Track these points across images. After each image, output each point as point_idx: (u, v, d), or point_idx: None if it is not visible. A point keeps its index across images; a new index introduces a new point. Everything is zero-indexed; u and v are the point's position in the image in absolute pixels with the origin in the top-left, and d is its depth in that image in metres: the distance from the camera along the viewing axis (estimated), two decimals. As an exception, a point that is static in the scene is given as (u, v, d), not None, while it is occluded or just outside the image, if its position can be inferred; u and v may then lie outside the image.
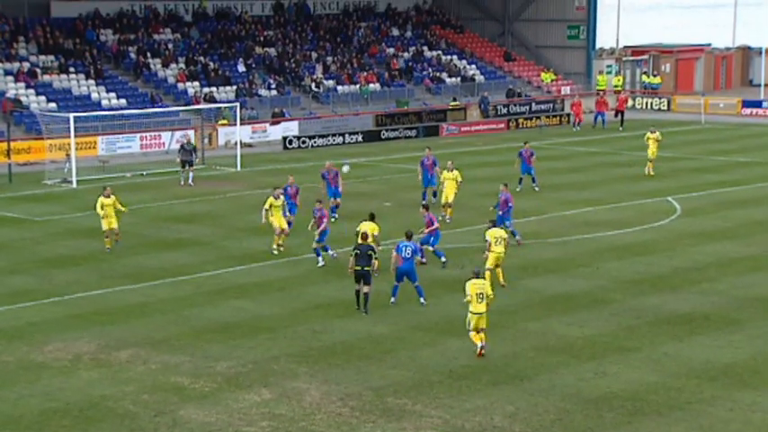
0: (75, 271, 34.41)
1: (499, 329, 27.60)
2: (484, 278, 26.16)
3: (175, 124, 63.82)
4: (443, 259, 33.78)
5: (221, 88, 70.48)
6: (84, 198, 44.92)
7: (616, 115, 72.94)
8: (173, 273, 34.03)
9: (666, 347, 26.37)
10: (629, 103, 79.01)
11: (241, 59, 74.25)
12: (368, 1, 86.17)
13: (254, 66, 74.40)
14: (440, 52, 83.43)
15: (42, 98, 63.93)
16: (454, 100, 76.11)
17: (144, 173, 54.31)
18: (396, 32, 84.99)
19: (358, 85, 75.24)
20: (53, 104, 63.18)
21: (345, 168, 41.52)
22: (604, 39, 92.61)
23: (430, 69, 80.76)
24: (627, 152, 60.66)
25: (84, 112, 58.66)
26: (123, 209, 37.72)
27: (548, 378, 24.29)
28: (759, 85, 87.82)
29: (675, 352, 26.07)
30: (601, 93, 78.85)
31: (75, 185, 50.42)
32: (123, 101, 66.23)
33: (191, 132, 60.44)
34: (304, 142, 65.05)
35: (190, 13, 77.78)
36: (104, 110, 63.09)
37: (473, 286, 25.79)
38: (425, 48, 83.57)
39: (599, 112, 72.10)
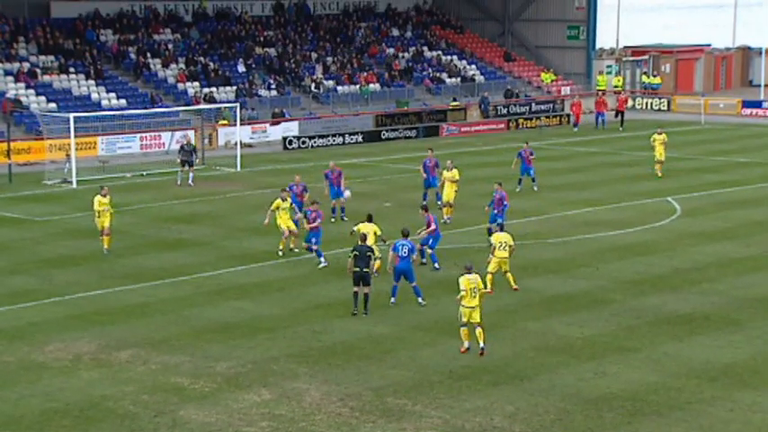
0: (76, 271, 34.41)
1: (499, 329, 27.63)
2: (476, 273, 26.22)
3: (175, 124, 63.82)
4: (437, 266, 33.71)
5: (221, 88, 70.49)
6: (85, 198, 44.85)
7: (616, 116, 72.95)
8: (173, 273, 34.03)
9: (666, 347, 26.38)
10: (630, 103, 79.03)
11: (241, 60, 74.26)
12: (368, 1, 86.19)
13: (254, 66, 74.41)
14: (440, 52, 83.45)
15: (42, 98, 63.95)
16: (454, 100, 76.12)
17: (144, 173, 54.31)
18: (396, 33, 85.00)
19: (358, 86, 75.25)
20: (53, 105, 63.19)
21: (347, 194, 41.39)
22: (604, 39, 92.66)
23: (430, 70, 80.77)
24: (627, 152, 60.69)
25: (85, 112, 58.63)
26: (111, 210, 37.20)
27: (548, 378, 24.30)
28: (759, 86, 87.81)
29: (675, 352, 26.07)
30: (600, 93, 78.85)
31: (75, 186, 50.43)
32: (123, 101, 66.25)
33: (191, 133, 60.44)
34: (304, 143, 65.05)
35: (190, 14, 77.79)
36: (104, 110, 63.10)
37: (467, 281, 25.90)
38: (425, 48, 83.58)
39: (599, 112, 72.11)
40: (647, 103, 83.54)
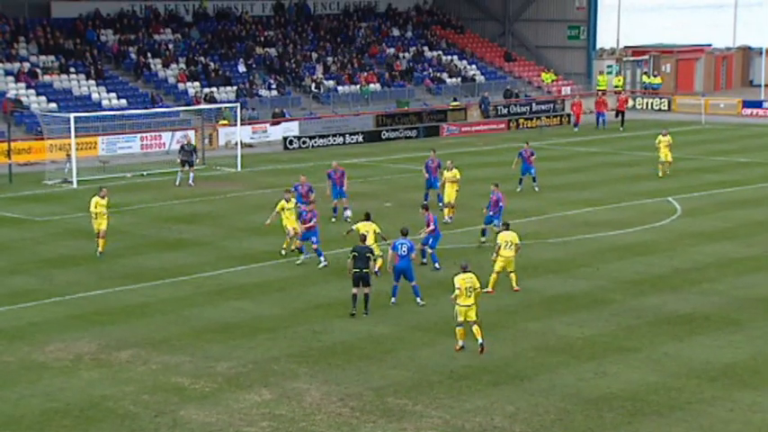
0: (76, 271, 34.41)
1: (499, 329, 27.64)
2: (471, 272, 26.25)
3: (176, 124, 63.84)
4: (437, 266, 33.71)
5: (222, 88, 70.50)
6: (85, 198, 44.71)
7: (617, 116, 72.94)
8: (173, 273, 34.03)
9: (666, 348, 26.38)
10: (630, 103, 79.01)
11: (241, 60, 74.27)
12: (368, 1, 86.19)
13: (254, 66, 74.42)
14: (440, 52, 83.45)
15: (43, 98, 63.96)
16: (455, 100, 76.11)
17: (144, 173, 54.32)
18: (396, 33, 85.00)
19: (358, 86, 75.26)
20: (53, 105, 63.20)
21: (348, 213, 41.39)
22: (605, 39, 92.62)
23: (430, 70, 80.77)
24: (627, 152, 60.70)
25: (85, 112, 58.65)
26: (107, 213, 36.63)
27: (548, 378, 24.30)
28: (759, 86, 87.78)
29: (675, 352, 26.08)
30: (599, 93, 78.86)
31: (75, 186, 50.44)
32: (124, 101, 66.26)
33: (191, 133, 60.46)
34: (304, 142, 65.06)
35: (190, 14, 77.79)
36: (105, 110, 63.11)
37: (462, 280, 25.96)
38: (426, 48, 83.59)
39: (599, 112, 72.11)
40: (647, 103, 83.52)
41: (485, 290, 30.81)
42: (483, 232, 37.04)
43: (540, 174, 48.68)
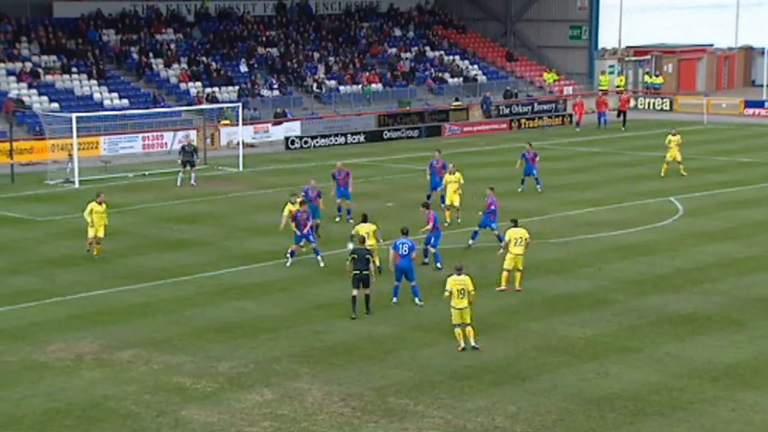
0: (78, 271, 34.42)
1: (501, 330, 27.64)
2: (466, 275, 26.23)
3: (178, 124, 63.88)
4: (439, 265, 33.67)
5: (223, 88, 70.51)
6: (87, 198, 44.62)
7: (618, 115, 72.94)
8: (174, 273, 34.04)
9: (668, 348, 26.37)
10: (632, 103, 79.01)
11: (243, 60, 74.27)
12: (370, 1, 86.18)
13: (256, 66, 74.43)
14: (442, 52, 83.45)
15: (45, 98, 63.98)
16: (456, 100, 76.09)
17: (146, 173, 54.33)
18: (398, 33, 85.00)
19: (360, 86, 75.26)
20: (55, 105, 63.22)
21: (350, 246, 41.33)
22: (607, 39, 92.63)
23: (432, 70, 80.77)
24: (629, 152, 60.67)
25: (87, 112, 58.67)
26: (106, 220, 36.24)
27: (550, 378, 24.29)
28: (761, 86, 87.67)
29: (677, 352, 26.06)
30: (600, 93, 78.84)
31: (77, 185, 50.45)
32: (125, 101, 66.26)
33: (192, 133, 60.47)
34: (306, 142, 65.05)
35: (192, 14, 77.80)
36: (107, 110, 63.12)
37: (454, 283, 25.99)
38: (428, 48, 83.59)
39: (600, 112, 72.09)
40: (649, 103, 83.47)
41: (498, 288, 30.90)
42: (473, 235, 36.84)
43: (542, 174, 48.62)
